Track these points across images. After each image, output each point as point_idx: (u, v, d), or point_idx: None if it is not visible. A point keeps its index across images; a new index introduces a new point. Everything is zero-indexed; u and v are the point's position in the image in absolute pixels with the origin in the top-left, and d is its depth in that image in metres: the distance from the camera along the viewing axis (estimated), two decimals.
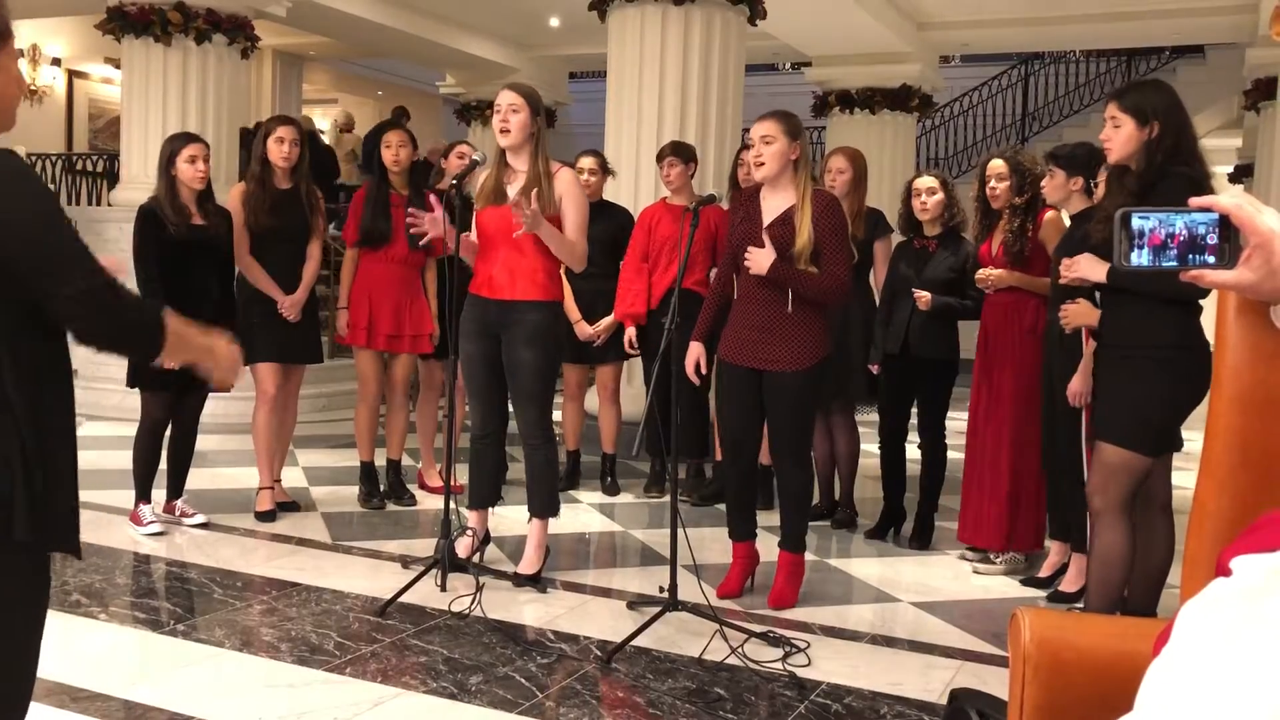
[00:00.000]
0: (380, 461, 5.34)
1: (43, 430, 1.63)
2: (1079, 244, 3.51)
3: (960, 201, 4.78)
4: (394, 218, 5.01)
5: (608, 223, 5.50)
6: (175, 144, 4.60)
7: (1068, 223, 4.21)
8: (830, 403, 5.07)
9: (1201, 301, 3.29)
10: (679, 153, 5.50)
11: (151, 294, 4.45)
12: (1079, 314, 3.64)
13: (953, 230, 4.72)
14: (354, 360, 5.28)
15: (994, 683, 3.14)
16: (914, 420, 4.91)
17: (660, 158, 5.57)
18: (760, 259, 3.74)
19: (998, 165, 4.38)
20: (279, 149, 4.81)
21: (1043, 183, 4.14)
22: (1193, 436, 3.32)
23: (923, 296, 4.56)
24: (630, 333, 5.37)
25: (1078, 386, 3.72)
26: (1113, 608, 3.39)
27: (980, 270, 4.38)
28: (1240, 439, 1.52)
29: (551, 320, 4.03)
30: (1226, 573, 1.07)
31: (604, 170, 5.62)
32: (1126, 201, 3.19)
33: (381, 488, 5.30)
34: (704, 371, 4.00)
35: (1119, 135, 3.23)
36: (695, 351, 3.97)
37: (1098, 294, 3.58)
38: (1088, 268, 3.33)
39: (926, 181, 4.73)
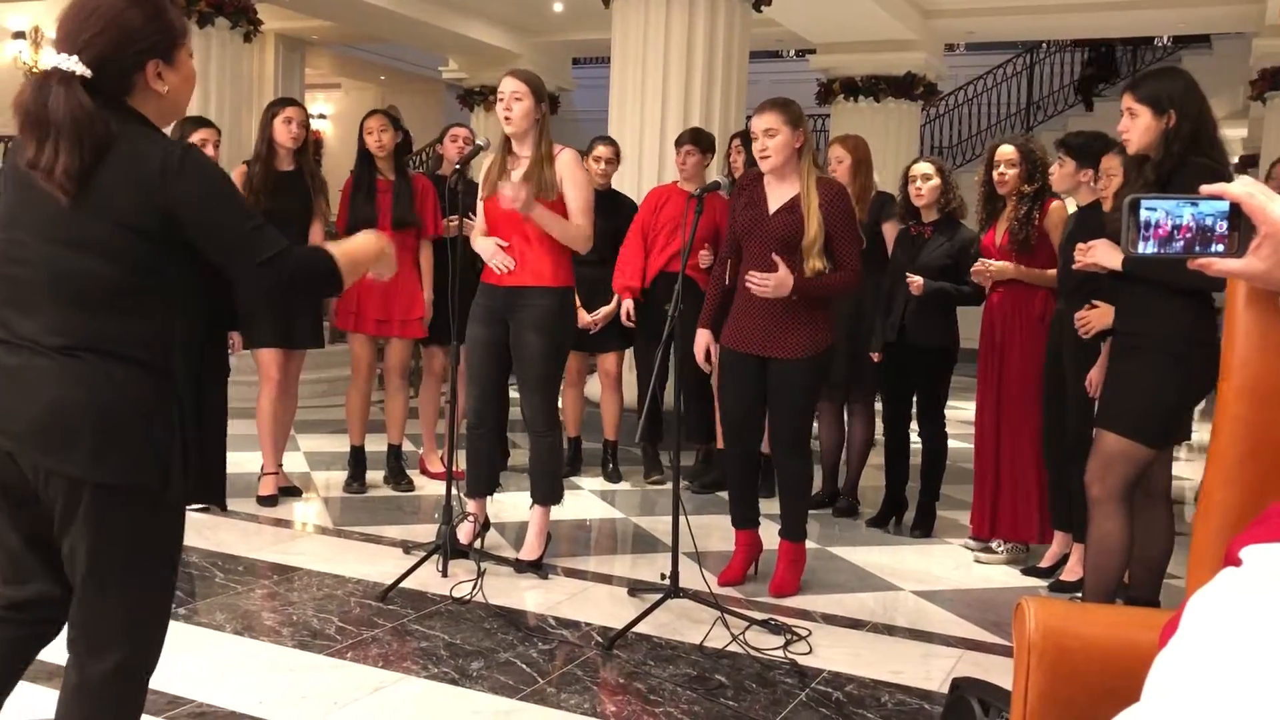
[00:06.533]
0: (380, 446, 5.35)
1: (202, 412, 1.86)
2: (1090, 235, 3.48)
3: (957, 188, 4.76)
4: (379, 203, 5.00)
5: (615, 213, 5.49)
6: (185, 128, 4.59)
7: (1072, 209, 4.19)
8: (851, 391, 5.06)
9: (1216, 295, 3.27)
10: (699, 141, 5.43)
11: None
12: (1100, 317, 3.61)
13: (949, 216, 4.71)
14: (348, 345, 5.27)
15: (995, 672, 3.13)
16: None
17: (680, 143, 5.48)
18: (781, 282, 3.67)
19: (1007, 151, 4.34)
20: (286, 129, 4.79)
21: (1050, 170, 4.11)
22: (1199, 426, 3.33)
23: (915, 281, 4.54)
24: (628, 305, 5.33)
25: (1097, 377, 3.69)
26: (1110, 596, 3.39)
27: (979, 262, 4.36)
28: (1248, 429, 1.51)
29: (560, 307, 4.01)
30: (1236, 563, 1.07)
31: (618, 158, 5.61)
32: (1145, 192, 3.16)
33: (381, 473, 5.31)
34: (713, 359, 3.98)
35: (1136, 126, 3.18)
36: (704, 338, 3.96)
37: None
38: (1104, 254, 3.27)
39: (922, 168, 4.72)
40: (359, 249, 2.03)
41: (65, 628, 1.90)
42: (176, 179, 1.77)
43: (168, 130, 1.99)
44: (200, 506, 4.70)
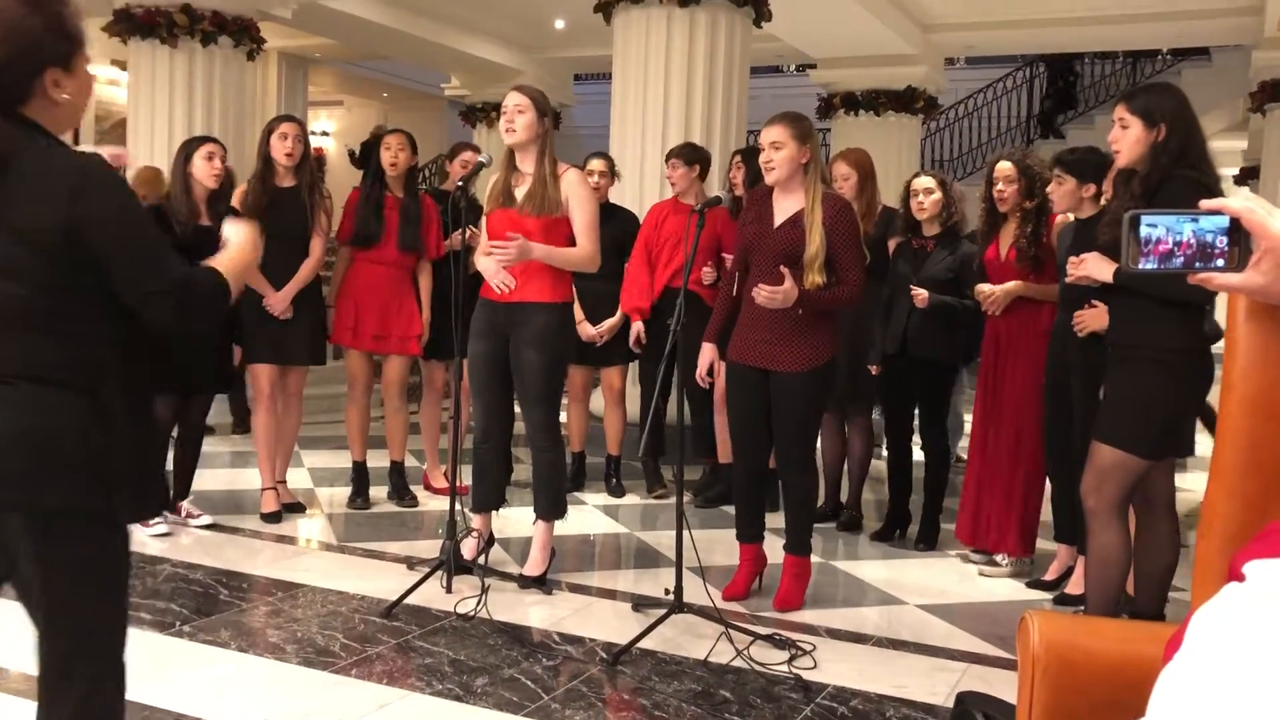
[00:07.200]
0: (383, 463, 5.35)
1: (139, 428, 1.83)
2: (1087, 246, 3.50)
3: (958, 202, 4.77)
4: (386, 219, 5.01)
5: (613, 226, 5.51)
6: (192, 145, 4.64)
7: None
8: (848, 405, 5.06)
9: (1207, 306, 3.29)
10: (682, 154, 5.52)
11: None
12: (1096, 318, 3.62)
13: (951, 230, 4.72)
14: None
15: (1000, 686, 3.13)
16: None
17: (667, 158, 5.60)
18: (788, 294, 3.67)
19: (1005, 168, 4.34)
20: (282, 145, 4.81)
21: (1049, 189, 4.11)
22: (1202, 438, 3.33)
23: (920, 294, 4.55)
24: (637, 328, 5.36)
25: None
26: (1112, 608, 3.39)
27: (983, 285, 4.36)
28: (1250, 442, 1.52)
29: (559, 322, 4.02)
30: (1240, 578, 1.07)
31: (612, 173, 5.65)
32: (1133, 204, 3.17)
33: (385, 489, 5.31)
34: (715, 377, 3.99)
35: (1127, 137, 3.22)
36: (709, 353, 3.97)
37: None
38: (1094, 267, 3.32)
39: (924, 182, 4.73)
40: (237, 256, 1.98)
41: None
42: (86, 197, 1.70)
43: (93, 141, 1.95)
44: (206, 523, 4.75)
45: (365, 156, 5.17)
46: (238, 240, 2.01)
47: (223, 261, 1.92)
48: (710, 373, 3.98)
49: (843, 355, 4.40)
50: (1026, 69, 14.10)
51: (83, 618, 1.83)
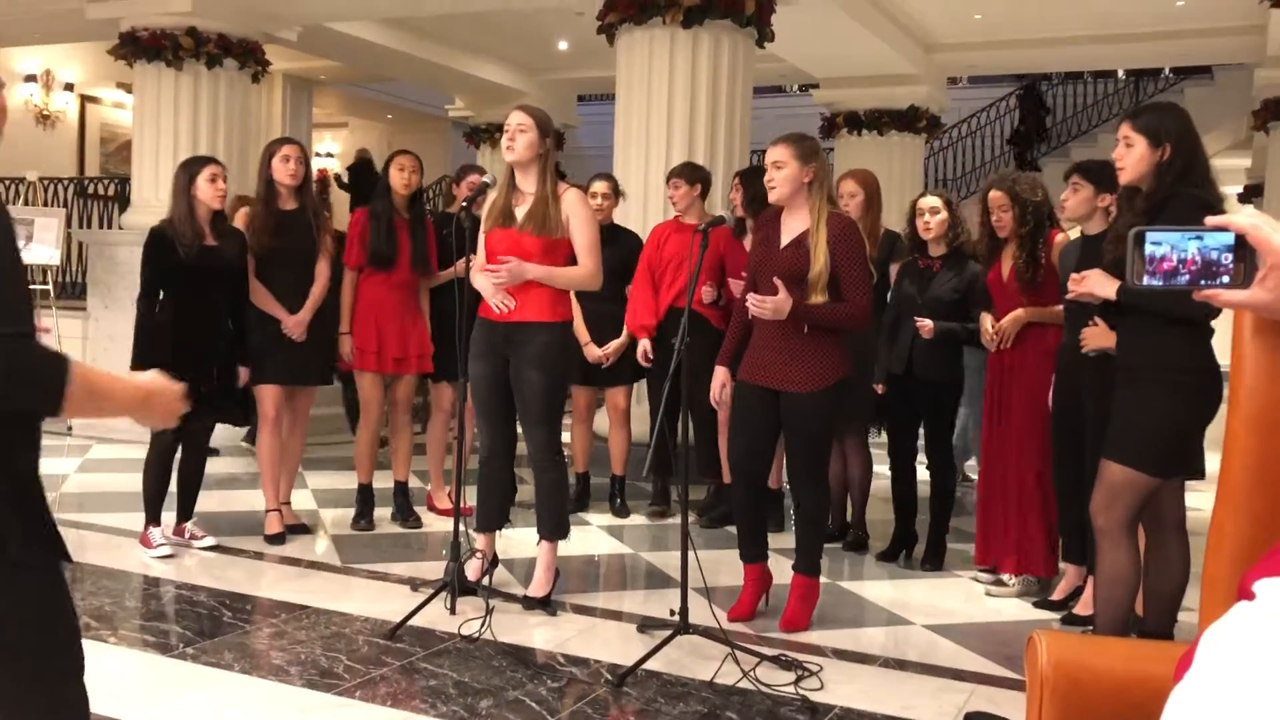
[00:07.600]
0: (386, 484, 5.34)
1: (20, 472, 1.64)
2: (1093, 263, 3.49)
3: (965, 221, 4.77)
4: (399, 240, 5.02)
5: (618, 247, 5.52)
6: (194, 166, 4.65)
7: (1074, 235, 4.19)
8: (845, 424, 5.05)
9: (1213, 324, 3.28)
10: (683, 174, 5.53)
11: (144, 313, 4.53)
12: (1097, 336, 3.62)
13: (957, 250, 4.71)
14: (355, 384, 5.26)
15: (1007, 706, 3.11)
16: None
17: (668, 178, 5.61)
18: (779, 305, 3.68)
19: (998, 197, 4.33)
20: (284, 167, 4.82)
21: (1063, 196, 4.09)
22: (1211, 457, 3.32)
23: (924, 325, 4.54)
24: (644, 344, 5.36)
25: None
26: (1121, 628, 3.36)
27: (987, 324, 4.35)
28: (1257, 459, 1.51)
29: (559, 342, 4.02)
30: (1249, 596, 1.06)
31: (616, 194, 5.66)
32: (1136, 222, 3.17)
33: (389, 510, 5.30)
34: (727, 399, 3.98)
35: (1131, 155, 3.23)
36: (721, 376, 3.97)
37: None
38: (1096, 283, 3.31)
39: (930, 201, 4.73)
40: (114, 389, 1.68)
41: None
42: None
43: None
44: (209, 544, 4.74)
45: (357, 181, 5.18)
46: (139, 384, 1.72)
47: (96, 377, 1.64)
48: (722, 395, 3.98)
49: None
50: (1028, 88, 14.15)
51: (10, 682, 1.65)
